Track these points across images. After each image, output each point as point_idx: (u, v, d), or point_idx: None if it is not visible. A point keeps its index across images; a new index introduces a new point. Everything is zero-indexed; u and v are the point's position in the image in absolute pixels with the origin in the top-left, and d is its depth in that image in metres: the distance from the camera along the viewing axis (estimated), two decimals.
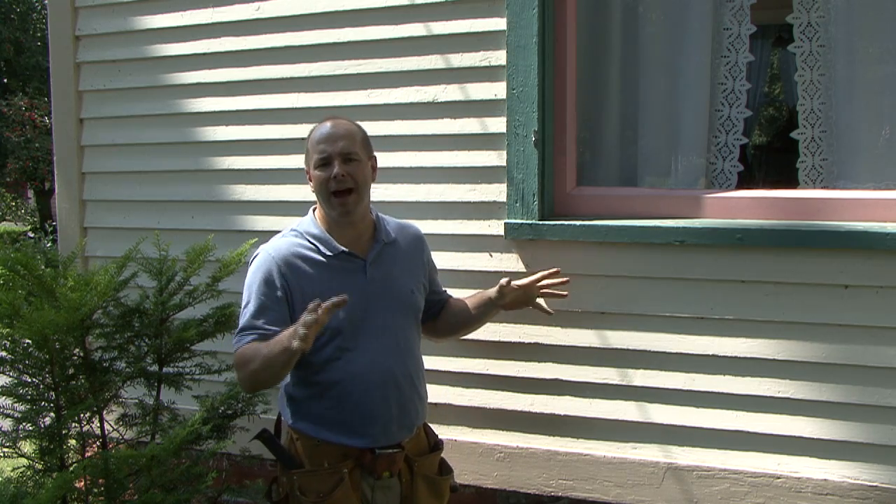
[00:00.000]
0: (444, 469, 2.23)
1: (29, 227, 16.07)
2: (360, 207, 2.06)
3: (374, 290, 2.06)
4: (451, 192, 2.71)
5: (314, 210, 2.14)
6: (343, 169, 2.00)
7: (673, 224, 2.45)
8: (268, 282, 2.01)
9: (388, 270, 2.11)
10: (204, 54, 3.01)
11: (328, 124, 2.07)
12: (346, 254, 2.06)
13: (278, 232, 2.62)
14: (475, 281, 2.64)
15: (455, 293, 2.58)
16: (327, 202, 2.04)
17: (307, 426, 2.05)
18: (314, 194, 2.09)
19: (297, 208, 2.82)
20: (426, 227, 2.45)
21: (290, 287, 2.00)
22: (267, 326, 1.98)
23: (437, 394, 2.26)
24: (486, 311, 2.36)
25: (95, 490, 2.22)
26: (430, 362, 2.34)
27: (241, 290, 2.66)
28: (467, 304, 2.36)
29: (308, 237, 2.07)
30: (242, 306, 2.05)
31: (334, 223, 2.07)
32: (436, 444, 2.22)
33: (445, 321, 2.35)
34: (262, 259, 2.05)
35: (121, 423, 2.48)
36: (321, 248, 2.05)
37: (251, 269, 2.06)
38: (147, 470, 2.15)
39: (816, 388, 2.35)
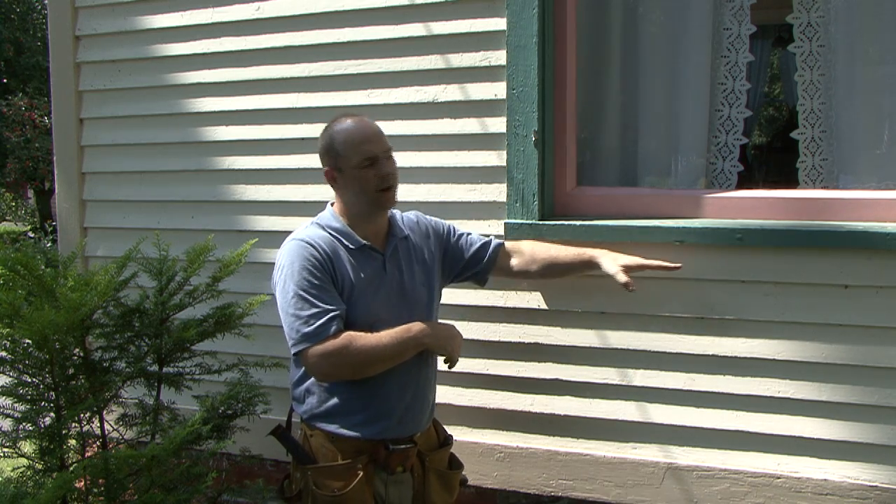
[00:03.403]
0: (455, 464, 2.27)
1: (29, 227, 16.06)
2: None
3: (392, 286, 2.10)
4: (451, 192, 2.71)
5: (332, 204, 2.17)
6: (390, 167, 2.07)
7: (673, 224, 2.45)
8: (314, 264, 1.99)
9: (403, 266, 2.15)
10: (204, 54, 3.01)
11: (355, 122, 2.09)
12: (368, 247, 2.09)
13: (280, 232, 2.61)
14: None
15: (454, 293, 2.58)
16: (370, 197, 2.06)
17: (324, 420, 2.06)
18: (350, 192, 2.08)
19: (298, 208, 2.84)
20: None
21: (334, 268, 2.02)
22: (337, 306, 1.98)
23: (437, 394, 2.27)
24: (577, 270, 2.38)
25: (95, 490, 2.22)
26: None
27: (241, 290, 2.68)
28: (554, 255, 2.35)
29: (330, 230, 2.08)
30: (293, 293, 1.97)
31: (359, 218, 2.09)
32: (446, 440, 2.26)
33: (524, 264, 2.36)
34: (298, 246, 2.02)
35: (121, 423, 2.48)
36: (344, 240, 2.07)
37: (289, 259, 2.01)
38: (147, 470, 2.15)
39: (816, 388, 2.35)
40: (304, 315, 1.95)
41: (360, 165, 2.05)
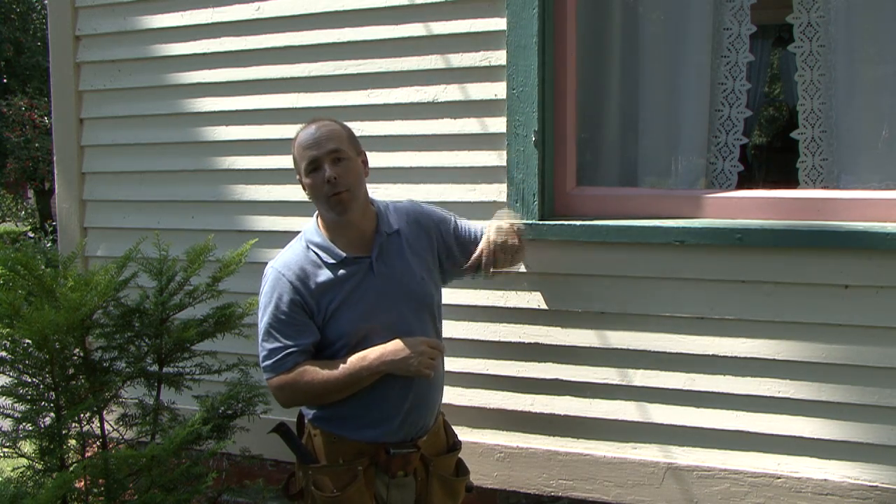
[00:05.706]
0: (461, 470, 2.24)
1: (29, 227, 16.05)
2: (356, 204, 2.04)
3: (385, 287, 2.06)
4: (451, 192, 2.70)
5: (317, 216, 2.13)
6: (334, 171, 1.99)
7: (673, 224, 2.45)
8: (283, 299, 2.01)
9: (395, 263, 2.09)
10: (204, 54, 3.01)
11: (312, 128, 2.05)
12: (350, 258, 2.05)
13: (280, 232, 2.61)
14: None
15: (455, 293, 2.58)
16: (325, 204, 2.03)
17: (326, 422, 2.07)
18: (311, 200, 2.07)
19: (298, 208, 2.83)
20: None
21: (304, 300, 2.01)
22: (301, 341, 2.01)
23: None
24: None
25: (95, 490, 2.22)
26: None
27: (241, 290, 2.69)
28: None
29: (312, 247, 2.07)
30: (263, 326, 2.04)
31: (336, 225, 2.06)
32: (454, 445, 2.23)
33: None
34: (274, 277, 2.04)
35: (121, 423, 2.48)
36: (324, 256, 2.05)
37: (265, 289, 2.06)
38: (147, 470, 2.15)
39: (816, 388, 2.35)
40: (268, 348, 2.04)
41: (305, 172, 2.03)
